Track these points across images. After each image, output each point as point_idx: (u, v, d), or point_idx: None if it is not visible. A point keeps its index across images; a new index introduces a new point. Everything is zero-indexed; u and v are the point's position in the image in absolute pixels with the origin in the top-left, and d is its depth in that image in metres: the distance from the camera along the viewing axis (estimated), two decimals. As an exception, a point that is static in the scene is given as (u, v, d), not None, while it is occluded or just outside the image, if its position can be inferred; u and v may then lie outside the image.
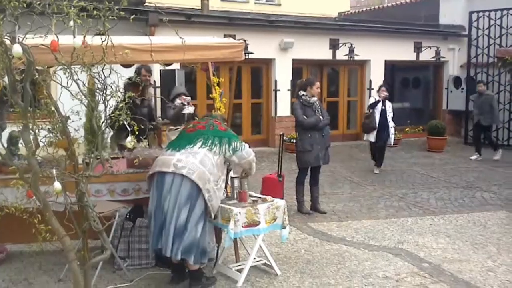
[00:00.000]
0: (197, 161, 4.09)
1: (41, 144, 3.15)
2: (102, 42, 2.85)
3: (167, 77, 9.43)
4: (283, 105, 12.60)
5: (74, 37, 3.04)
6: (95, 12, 2.76)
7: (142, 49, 3.44)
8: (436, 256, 5.21)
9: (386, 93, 9.53)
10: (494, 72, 13.71)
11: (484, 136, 11.80)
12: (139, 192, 4.92)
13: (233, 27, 11.54)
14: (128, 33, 4.18)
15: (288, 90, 12.59)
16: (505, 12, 13.55)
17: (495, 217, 6.70)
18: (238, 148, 4.32)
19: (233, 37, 10.42)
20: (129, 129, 3.02)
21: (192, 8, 11.68)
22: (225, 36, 10.45)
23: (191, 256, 4.05)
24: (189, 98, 6.50)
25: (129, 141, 3.03)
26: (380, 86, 9.81)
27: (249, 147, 4.49)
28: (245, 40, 8.61)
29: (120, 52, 3.00)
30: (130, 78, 5.46)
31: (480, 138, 11.77)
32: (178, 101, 6.71)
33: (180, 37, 3.33)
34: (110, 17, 2.94)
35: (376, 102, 9.46)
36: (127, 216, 4.86)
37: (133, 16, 3.36)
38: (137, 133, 3.31)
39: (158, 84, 10.19)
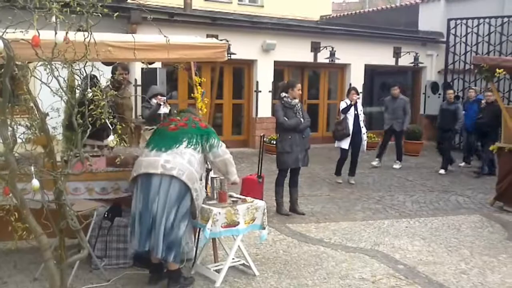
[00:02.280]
0: (185, 161, 4.11)
1: (19, 140, 3.11)
2: (85, 38, 2.82)
3: (149, 76, 9.37)
4: (264, 106, 12.66)
5: (56, 33, 3.02)
6: (78, 8, 2.73)
7: (125, 47, 3.42)
8: (411, 258, 5.30)
9: (357, 96, 8.98)
10: (470, 78, 14.03)
11: (396, 141, 11.02)
12: (118, 191, 4.89)
13: (216, 27, 11.54)
14: (110, 30, 4.15)
15: (270, 91, 12.66)
16: (481, 20, 13.88)
17: (468, 221, 6.85)
18: (215, 146, 4.31)
19: (216, 37, 10.41)
20: (111, 128, 2.99)
21: (174, 7, 11.65)
22: (207, 36, 10.44)
23: (172, 254, 4.06)
24: (165, 98, 6.49)
25: (111, 139, 3.01)
26: (350, 89, 9.20)
27: (226, 147, 4.48)
28: (227, 41, 8.60)
29: (103, 50, 2.97)
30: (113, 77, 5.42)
31: (387, 144, 11.03)
32: (154, 101, 6.70)
33: (165, 36, 3.33)
34: (93, 13, 2.93)
35: (349, 107, 8.83)
36: (105, 215, 4.82)
37: (117, 13, 3.33)
38: (119, 132, 3.30)
39: (139, 82, 10.12)
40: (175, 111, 5.09)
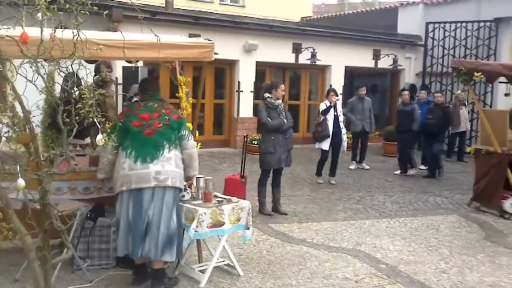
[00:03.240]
0: (174, 167, 4.14)
1: (3, 139, 3.06)
2: (74, 36, 2.79)
3: (130, 74, 9.27)
4: (245, 107, 12.67)
5: (41, 30, 2.98)
6: (67, 6, 2.70)
7: (115, 45, 3.38)
8: (392, 257, 5.38)
9: (337, 97, 9.06)
10: (448, 81, 14.31)
11: (362, 142, 11.10)
12: (101, 191, 4.84)
13: (198, 26, 11.51)
14: (91, 28, 4.07)
15: (251, 91, 12.68)
16: (459, 24, 14.17)
17: (447, 221, 6.98)
18: (185, 138, 4.28)
19: (198, 36, 10.37)
20: (99, 127, 2.96)
21: (156, 5, 11.55)
22: (190, 35, 10.40)
23: (171, 252, 4.15)
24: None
25: (100, 138, 2.98)
26: (329, 91, 9.26)
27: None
28: (210, 40, 8.57)
29: (94, 48, 2.94)
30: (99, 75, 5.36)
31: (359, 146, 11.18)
32: (135, 100, 6.64)
33: (155, 35, 3.31)
34: (81, 11, 2.90)
35: (328, 108, 8.90)
36: (88, 215, 4.77)
37: (106, 12, 3.31)
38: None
39: (120, 81, 10.00)
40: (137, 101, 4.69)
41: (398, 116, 10.80)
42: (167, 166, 4.09)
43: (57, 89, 3.51)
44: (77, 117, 3.02)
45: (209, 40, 4.66)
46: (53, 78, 3.55)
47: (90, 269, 4.59)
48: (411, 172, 10.64)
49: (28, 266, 4.26)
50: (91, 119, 2.94)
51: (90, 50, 2.87)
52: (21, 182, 2.89)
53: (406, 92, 10.80)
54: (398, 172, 10.62)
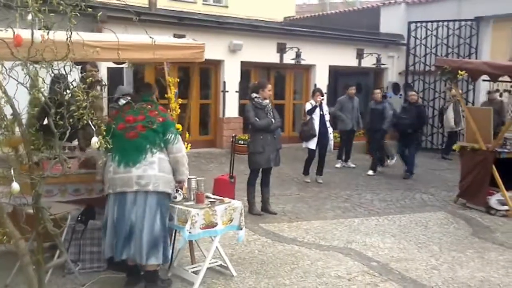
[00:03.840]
0: (157, 171, 4.06)
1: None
2: (67, 38, 2.76)
3: (115, 76, 9.20)
4: (231, 107, 12.65)
5: (32, 32, 2.93)
6: (61, 8, 2.67)
7: (109, 47, 3.35)
8: (383, 255, 5.43)
9: (322, 97, 9.16)
10: (430, 79, 14.51)
11: (349, 141, 11.21)
12: (92, 192, 4.80)
13: (183, 27, 11.44)
14: (75, 29, 3.97)
15: (236, 91, 12.66)
16: (440, 23, 14.38)
17: (435, 218, 7.07)
18: (170, 142, 4.18)
19: (183, 37, 10.32)
20: (94, 129, 2.93)
21: (140, 6, 11.46)
22: (175, 36, 10.33)
23: (156, 256, 4.10)
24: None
25: (96, 141, 2.94)
26: (315, 91, 9.42)
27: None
28: (195, 40, 8.54)
29: (91, 50, 2.91)
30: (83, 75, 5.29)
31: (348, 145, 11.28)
32: (122, 101, 6.58)
33: (150, 37, 3.28)
34: (73, 13, 2.86)
35: (314, 108, 8.98)
36: (79, 218, 4.71)
37: (100, 13, 3.28)
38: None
39: (105, 82, 9.91)
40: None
41: (370, 115, 10.70)
42: (149, 170, 4.04)
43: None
44: (71, 120, 2.99)
45: (194, 40, 4.62)
46: (36, 80, 3.50)
47: (81, 273, 4.54)
48: (388, 162, 10.78)
49: (18, 270, 4.24)
50: (85, 121, 2.91)
51: (86, 52, 2.83)
52: (15, 186, 2.85)
53: (378, 91, 10.80)
54: (371, 172, 10.46)
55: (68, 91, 3.09)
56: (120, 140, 4.08)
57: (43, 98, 3.22)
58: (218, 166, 10.53)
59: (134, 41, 3.68)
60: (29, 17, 2.89)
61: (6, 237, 2.93)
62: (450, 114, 12.17)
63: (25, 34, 2.88)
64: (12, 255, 4.35)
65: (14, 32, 2.94)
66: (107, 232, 4.16)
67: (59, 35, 2.87)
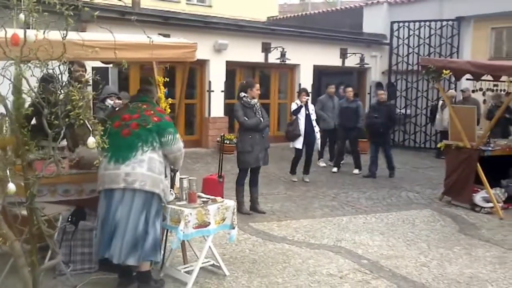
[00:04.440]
0: (145, 170, 4.01)
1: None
2: (63, 37, 2.73)
3: (100, 75, 9.08)
4: (216, 106, 12.64)
5: (25, 31, 2.90)
6: (57, 7, 2.64)
7: (106, 47, 3.31)
8: (373, 253, 5.49)
9: (307, 97, 9.24)
10: (413, 79, 14.70)
11: (331, 140, 11.25)
12: (82, 193, 4.73)
13: (168, 26, 11.39)
14: (61, 27, 3.92)
15: (222, 91, 12.66)
16: (422, 23, 14.58)
17: (421, 215, 7.17)
18: (169, 143, 4.18)
19: (167, 36, 10.26)
20: (90, 129, 2.91)
21: (124, 5, 11.35)
22: (160, 35, 10.26)
23: (157, 255, 4.10)
24: (120, 102, 6.35)
25: (93, 141, 2.92)
26: (300, 91, 9.51)
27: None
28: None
29: (89, 50, 2.88)
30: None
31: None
32: (109, 101, 6.54)
33: (148, 37, 3.27)
34: (70, 13, 2.85)
35: (299, 108, 9.04)
36: (69, 219, 4.66)
37: (97, 12, 3.26)
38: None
39: (90, 82, 9.81)
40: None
41: (342, 114, 10.54)
42: (138, 168, 4.01)
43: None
44: (67, 119, 2.96)
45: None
46: (20, 80, 3.45)
47: (73, 274, 4.49)
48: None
49: (9, 272, 4.18)
50: (81, 121, 2.89)
51: (85, 51, 2.81)
52: (11, 187, 2.81)
53: (350, 89, 10.69)
54: (335, 169, 10.53)
55: (62, 90, 3.06)
56: (114, 138, 4.02)
57: (29, 99, 3.18)
58: (204, 166, 10.51)
59: (130, 41, 3.65)
60: (21, 16, 2.87)
61: (1, 238, 2.87)
62: (446, 115, 12.10)
63: (20, 33, 2.85)
64: (1, 257, 4.30)
65: (6, 32, 2.91)
66: (97, 230, 4.15)
67: (53, 35, 2.85)
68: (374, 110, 10.21)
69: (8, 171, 2.82)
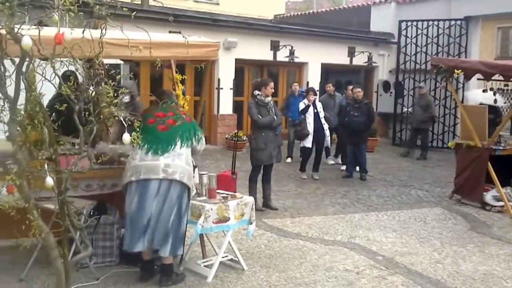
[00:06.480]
0: (184, 163, 4.17)
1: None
2: (101, 36, 2.81)
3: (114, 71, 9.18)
4: (225, 104, 12.72)
5: (58, 30, 2.98)
6: (97, 7, 2.73)
7: (145, 46, 3.40)
8: (387, 249, 5.56)
9: (315, 96, 9.28)
10: (421, 78, 14.74)
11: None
12: (104, 188, 4.83)
13: (177, 24, 11.39)
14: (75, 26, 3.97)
15: (231, 89, 12.73)
16: (430, 22, 14.59)
17: (432, 213, 7.25)
18: (199, 141, 4.41)
19: (179, 33, 10.33)
20: (125, 125, 2.99)
21: (134, 3, 11.42)
22: (170, 32, 10.33)
23: (181, 249, 4.22)
24: (128, 97, 6.42)
25: (129, 138, 3.00)
26: (308, 90, 9.58)
27: None
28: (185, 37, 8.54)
29: (133, 48, 2.96)
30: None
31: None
32: (127, 98, 6.60)
33: (183, 36, 3.35)
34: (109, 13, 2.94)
35: (307, 107, 9.09)
36: (91, 213, 4.75)
37: (135, 12, 3.35)
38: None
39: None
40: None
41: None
42: (177, 160, 4.15)
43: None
44: (101, 116, 3.05)
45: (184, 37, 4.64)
46: (31, 79, 3.52)
47: (94, 267, 4.58)
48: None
49: (33, 264, 4.28)
50: (116, 118, 2.98)
51: (135, 50, 2.88)
52: (49, 181, 2.90)
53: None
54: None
55: (96, 87, 3.15)
56: (151, 132, 4.21)
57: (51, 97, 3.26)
58: (214, 163, 10.60)
59: (166, 40, 3.74)
60: (55, 16, 2.95)
61: (36, 231, 2.96)
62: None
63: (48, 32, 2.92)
64: (24, 250, 4.39)
65: (39, 30, 2.99)
66: (127, 223, 4.21)
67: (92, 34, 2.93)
68: (353, 108, 9.74)
69: (46, 166, 2.90)
